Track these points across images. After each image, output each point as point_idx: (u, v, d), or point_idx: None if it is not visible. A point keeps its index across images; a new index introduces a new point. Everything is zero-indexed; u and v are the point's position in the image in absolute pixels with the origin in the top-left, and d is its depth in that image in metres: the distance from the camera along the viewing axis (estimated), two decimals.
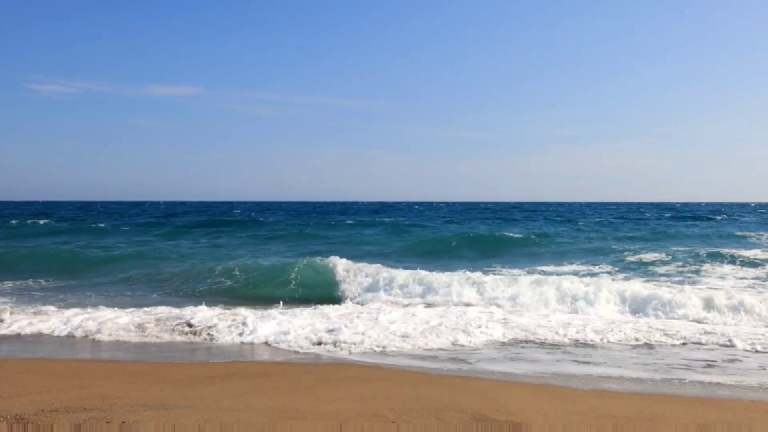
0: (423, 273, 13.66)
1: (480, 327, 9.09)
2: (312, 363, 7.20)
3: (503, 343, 8.40)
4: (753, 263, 17.92)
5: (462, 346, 8.21)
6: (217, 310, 10.47)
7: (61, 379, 5.98)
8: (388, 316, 9.99)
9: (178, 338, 8.79)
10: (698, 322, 9.86)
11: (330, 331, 8.71)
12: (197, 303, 11.36)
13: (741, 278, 15.31)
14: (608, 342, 8.45)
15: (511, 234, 29.32)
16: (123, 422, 4.50)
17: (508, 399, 5.35)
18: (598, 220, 48.32)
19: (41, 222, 41.36)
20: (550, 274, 15.16)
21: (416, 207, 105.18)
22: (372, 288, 13.42)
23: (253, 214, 61.14)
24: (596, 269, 17.29)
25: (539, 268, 17.49)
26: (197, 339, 8.74)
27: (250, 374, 6.36)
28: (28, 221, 41.89)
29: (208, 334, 8.86)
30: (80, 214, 62.76)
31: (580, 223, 41.28)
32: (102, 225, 37.23)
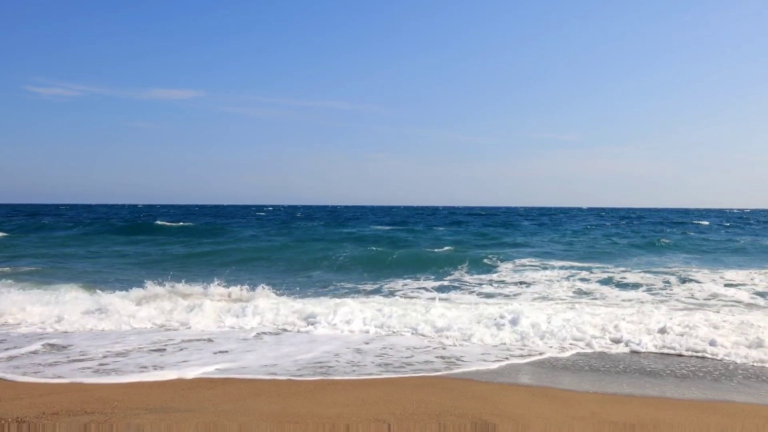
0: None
1: None
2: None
3: None
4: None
5: None
6: None
7: (62, 382, 5.96)
8: None
9: None
10: None
11: None
12: None
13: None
14: None
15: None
16: (124, 425, 4.49)
17: (509, 403, 5.36)
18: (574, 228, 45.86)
19: None
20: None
21: (408, 211, 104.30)
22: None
23: (239, 220, 58.27)
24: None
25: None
26: None
27: (250, 378, 6.35)
28: None
29: None
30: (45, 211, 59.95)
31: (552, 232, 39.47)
32: None
